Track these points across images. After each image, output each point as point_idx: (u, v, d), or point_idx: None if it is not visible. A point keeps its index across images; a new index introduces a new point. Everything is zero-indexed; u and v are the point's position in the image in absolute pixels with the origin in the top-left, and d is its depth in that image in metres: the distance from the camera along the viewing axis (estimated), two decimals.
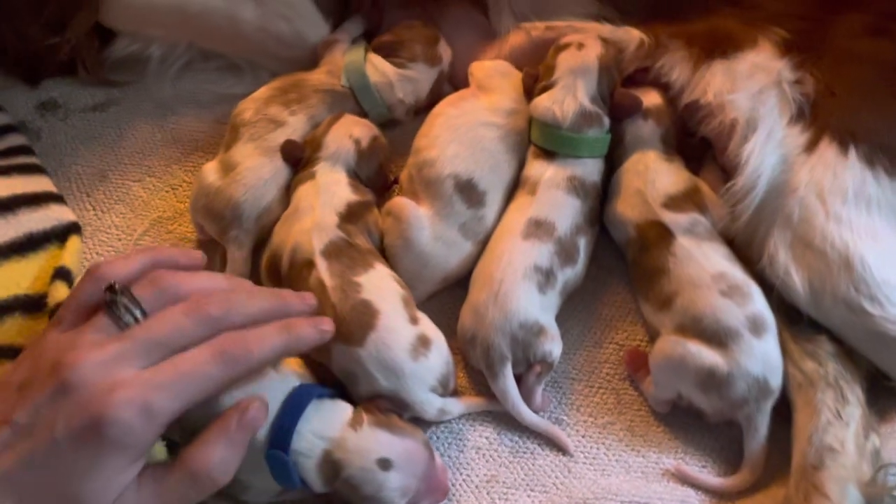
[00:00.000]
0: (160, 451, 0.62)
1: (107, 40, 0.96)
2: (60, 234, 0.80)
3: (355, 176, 0.81)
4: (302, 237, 0.75)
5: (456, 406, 0.73)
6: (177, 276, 0.61)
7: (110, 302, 0.58)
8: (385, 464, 0.64)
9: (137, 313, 0.57)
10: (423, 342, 0.71)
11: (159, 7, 0.92)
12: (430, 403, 0.71)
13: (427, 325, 0.73)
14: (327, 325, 0.65)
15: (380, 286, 0.73)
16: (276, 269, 0.77)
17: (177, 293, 0.59)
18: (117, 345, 0.55)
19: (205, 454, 0.57)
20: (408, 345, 0.70)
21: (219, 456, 0.57)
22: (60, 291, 0.74)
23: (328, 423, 0.66)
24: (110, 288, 0.58)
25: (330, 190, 0.78)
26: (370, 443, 0.65)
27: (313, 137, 0.83)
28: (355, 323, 0.70)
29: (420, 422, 0.72)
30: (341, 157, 0.81)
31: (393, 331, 0.70)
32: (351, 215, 0.77)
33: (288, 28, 0.93)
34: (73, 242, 0.80)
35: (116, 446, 0.52)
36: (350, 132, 0.82)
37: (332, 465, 0.64)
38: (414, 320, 0.72)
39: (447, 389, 0.73)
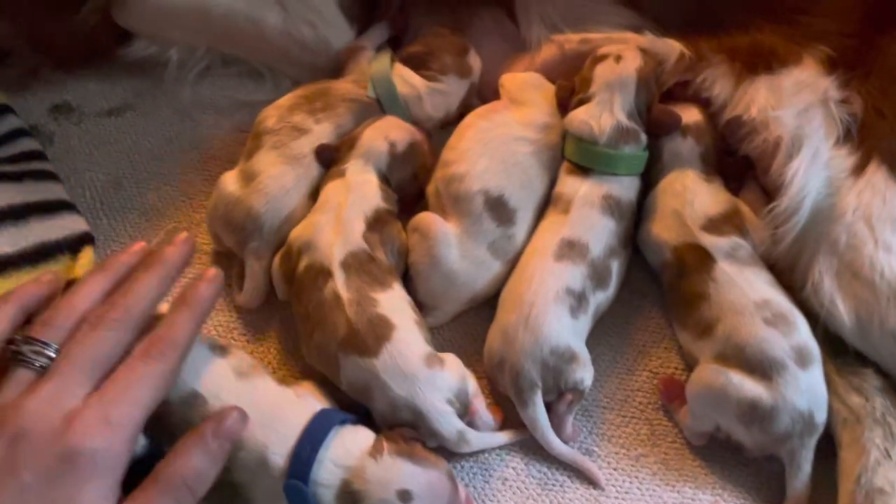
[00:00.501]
0: None
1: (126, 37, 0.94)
2: (73, 245, 0.77)
3: (385, 179, 0.78)
4: (324, 239, 0.72)
5: (476, 438, 0.70)
6: (60, 305, 0.59)
7: (16, 354, 0.56)
8: (405, 496, 0.61)
9: (50, 352, 0.56)
10: (438, 360, 0.69)
11: (180, 9, 0.89)
12: (448, 419, 0.67)
13: (444, 356, 0.70)
14: (213, 272, 0.65)
15: (396, 306, 0.70)
16: (290, 262, 0.74)
17: (73, 316, 0.59)
18: (50, 383, 0.54)
19: (180, 464, 0.56)
20: (423, 354, 0.68)
21: (194, 466, 0.56)
22: None
23: (348, 451, 0.63)
24: (10, 342, 0.57)
25: (360, 190, 0.76)
26: (390, 473, 0.62)
27: (350, 137, 0.80)
28: (371, 335, 0.67)
29: (444, 452, 0.68)
30: (372, 157, 0.78)
31: (408, 342, 0.68)
32: (377, 222, 0.74)
33: (312, 34, 0.90)
34: (87, 255, 0.77)
35: (94, 472, 0.52)
36: (387, 134, 0.79)
37: (351, 496, 0.61)
38: (427, 342, 0.70)
39: (465, 408, 0.69)
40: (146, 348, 0.58)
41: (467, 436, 0.69)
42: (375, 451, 0.63)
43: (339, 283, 0.69)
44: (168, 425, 0.64)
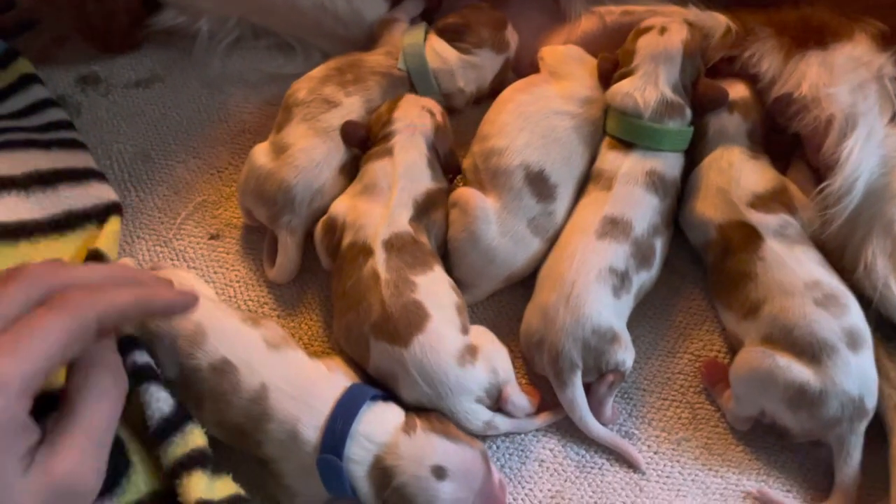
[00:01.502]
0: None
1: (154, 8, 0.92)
2: (101, 214, 0.76)
3: (434, 151, 0.76)
4: (371, 220, 0.70)
5: (504, 422, 0.68)
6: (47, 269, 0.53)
7: None
8: (440, 472, 0.60)
9: None
10: (471, 351, 0.66)
11: None
12: (475, 415, 0.66)
13: (478, 337, 0.68)
14: (190, 294, 0.58)
15: (436, 291, 0.68)
16: (331, 235, 0.72)
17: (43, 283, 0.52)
18: None
19: (97, 416, 0.51)
20: (455, 351, 0.65)
21: (108, 415, 0.51)
22: None
23: (380, 427, 0.62)
24: None
25: (410, 172, 0.74)
26: (424, 449, 0.61)
27: (378, 116, 0.78)
28: (403, 322, 0.65)
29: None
30: (419, 128, 0.76)
31: (441, 336, 0.65)
32: (427, 205, 0.73)
33: (346, 6, 0.88)
34: (113, 224, 0.75)
35: None
36: (423, 104, 0.78)
37: (383, 472, 0.60)
38: (465, 330, 0.68)
39: (494, 401, 0.68)
40: (63, 298, 0.50)
41: (494, 422, 0.67)
42: (409, 428, 0.62)
43: (380, 262, 0.68)
44: (197, 392, 0.64)
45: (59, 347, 0.49)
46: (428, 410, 0.65)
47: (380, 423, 0.62)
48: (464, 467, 0.61)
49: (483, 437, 0.68)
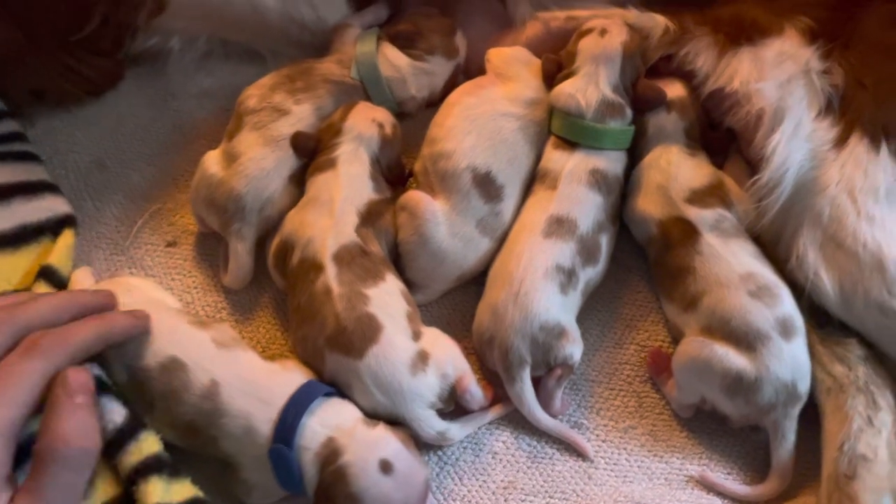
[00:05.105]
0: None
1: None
2: (54, 227, 0.76)
3: (377, 163, 0.78)
4: (317, 234, 0.72)
5: (458, 431, 0.70)
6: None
7: None
8: (387, 466, 0.61)
9: None
10: (422, 358, 0.68)
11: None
12: (429, 422, 0.68)
13: (430, 342, 0.70)
14: (142, 314, 0.64)
15: (388, 301, 0.70)
16: (284, 257, 0.74)
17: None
18: None
19: (56, 432, 0.53)
20: (407, 360, 0.67)
21: (70, 424, 0.54)
22: (42, 291, 0.70)
23: (337, 416, 0.64)
24: None
25: (352, 184, 0.75)
26: (380, 441, 0.63)
27: (330, 124, 0.79)
28: (357, 335, 0.67)
29: None
30: (365, 140, 0.77)
31: (394, 346, 0.67)
32: (370, 215, 0.74)
33: (312, 14, 0.89)
34: (65, 238, 0.76)
35: None
36: (373, 116, 0.79)
37: (332, 450, 0.62)
38: (416, 335, 0.70)
39: (449, 402, 0.70)
40: (32, 342, 0.55)
41: (448, 434, 0.69)
42: (370, 422, 0.64)
43: (331, 277, 0.69)
44: (148, 394, 0.65)
45: (38, 392, 0.53)
46: (395, 424, 0.66)
47: (336, 413, 0.64)
48: (409, 475, 0.63)
49: None
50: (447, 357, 0.70)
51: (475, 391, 0.70)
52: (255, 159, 0.77)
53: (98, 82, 0.90)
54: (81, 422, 0.54)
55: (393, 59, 0.85)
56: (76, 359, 0.57)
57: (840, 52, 0.77)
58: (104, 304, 0.64)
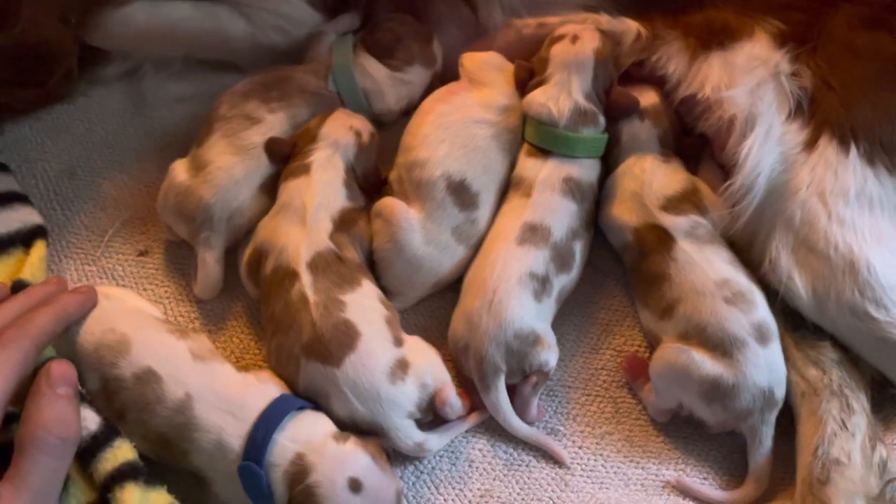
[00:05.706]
0: None
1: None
2: (26, 238, 0.75)
3: (352, 171, 0.77)
4: (290, 242, 0.71)
5: (436, 441, 0.70)
6: None
7: None
8: (355, 485, 0.61)
9: None
10: (402, 366, 0.68)
11: (146, 31, 0.86)
12: (407, 432, 0.67)
13: (411, 350, 0.69)
14: (87, 288, 0.67)
15: (365, 307, 0.69)
16: (257, 266, 0.73)
17: None
18: None
19: (37, 420, 0.55)
20: (387, 367, 0.67)
21: (51, 413, 0.56)
22: None
23: (308, 431, 0.63)
24: None
25: (325, 191, 0.74)
26: (349, 459, 0.62)
27: (306, 129, 0.79)
28: (335, 342, 0.66)
29: None
30: (341, 147, 0.77)
31: (373, 354, 0.67)
32: (344, 222, 0.74)
33: (285, 39, 0.88)
34: (38, 249, 0.75)
35: None
36: (350, 124, 0.78)
37: (301, 468, 0.61)
38: (398, 342, 0.69)
39: (427, 412, 0.69)
40: None
41: (426, 445, 0.69)
42: (340, 437, 0.63)
43: (307, 285, 0.69)
44: (119, 403, 0.64)
45: (12, 381, 0.56)
46: (367, 436, 0.66)
47: (307, 428, 0.63)
48: (379, 491, 0.62)
49: None
50: (427, 367, 0.69)
51: (455, 403, 0.70)
52: (224, 168, 0.76)
53: (36, 102, 0.90)
54: (62, 411, 0.56)
55: (371, 71, 0.85)
56: (42, 343, 0.59)
57: (809, 54, 0.78)
58: (57, 291, 0.66)
